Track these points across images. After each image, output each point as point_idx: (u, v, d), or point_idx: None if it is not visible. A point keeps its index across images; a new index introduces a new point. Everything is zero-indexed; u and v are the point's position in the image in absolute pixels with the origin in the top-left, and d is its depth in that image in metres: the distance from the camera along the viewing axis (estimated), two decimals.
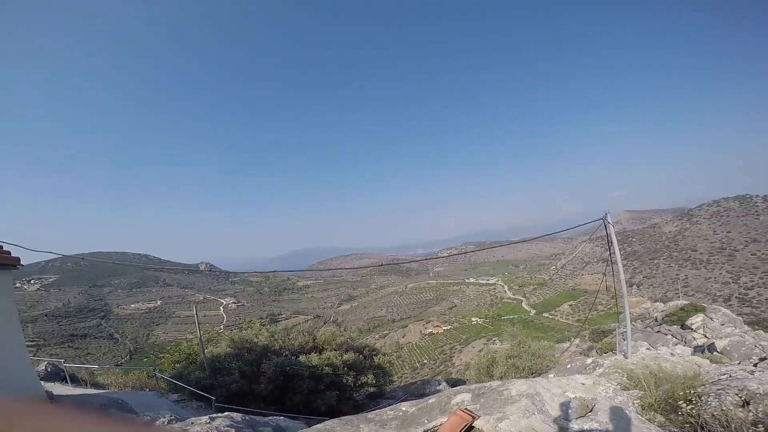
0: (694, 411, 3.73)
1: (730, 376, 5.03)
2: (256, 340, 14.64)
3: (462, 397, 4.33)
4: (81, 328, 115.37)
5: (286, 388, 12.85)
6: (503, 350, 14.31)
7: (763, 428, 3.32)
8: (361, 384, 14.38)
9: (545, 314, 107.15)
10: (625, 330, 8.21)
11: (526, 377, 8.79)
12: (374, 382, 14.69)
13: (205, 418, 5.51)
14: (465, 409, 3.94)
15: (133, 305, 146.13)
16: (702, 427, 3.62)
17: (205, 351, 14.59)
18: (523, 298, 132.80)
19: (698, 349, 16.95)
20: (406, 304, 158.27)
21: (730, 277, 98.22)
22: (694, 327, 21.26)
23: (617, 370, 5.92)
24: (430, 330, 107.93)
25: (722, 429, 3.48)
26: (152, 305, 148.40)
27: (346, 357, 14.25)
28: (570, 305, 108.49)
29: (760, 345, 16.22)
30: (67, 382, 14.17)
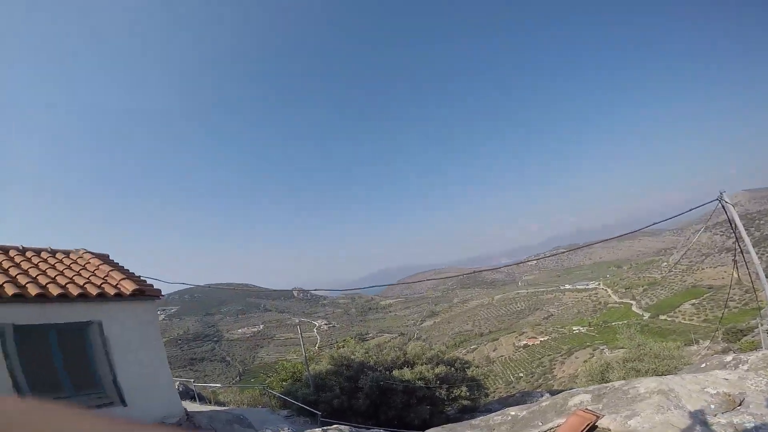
0: None
1: None
2: (353, 356, 15.23)
3: (580, 398, 3.90)
4: (199, 353, 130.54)
5: (381, 402, 13.02)
6: (619, 356, 12.74)
7: None
8: (454, 397, 13.95)
9: (662, 317, 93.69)
10: None
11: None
12: (468, 395, 14.13)
13: (318, 430, 5.80)
14: (586, 409, 3.54)
15: (239, 330, 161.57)
16: None
17: (309, 369, 15.54)
18: (632, 301, 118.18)
19: None
20: (495, 317, 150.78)
21: None
22: None
23: None
24: (524, 342, 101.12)
25: None
26: (256, 329, 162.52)
27: (437, 370, 14.01)
28: (693, 304, 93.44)
29: None
30: (195, 400, 16.12)
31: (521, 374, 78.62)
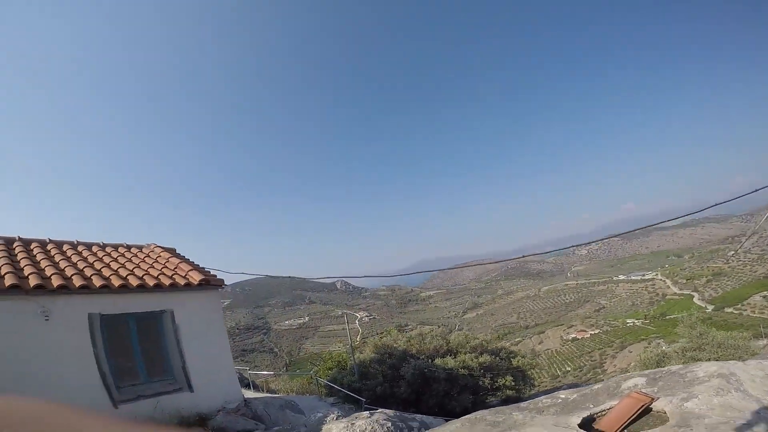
0: None
1: None
2: (395, 345, 15.52)
3: (635, 381, 3.84)
4: (249, 344, 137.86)
5: (423, 390, 13.15)
6: (677, 348, 11.97)
7: None
8: (498, 387, 13.75)
9: (728, 309, 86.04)
10: None
11: None
12: (513, 384, 13.88)
13: (366, 413, 6.11)
14: (640, 391, 3.50)
15: (286, 322, 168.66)
16: None
17: (354, 357, 16.10)
18: (694, 293, 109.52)
19: None
20: (541, 309, 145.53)
21: None
22: None
23: None
24: (573, 335, 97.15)
25: None
26: (301, 321, 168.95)
27: (481, 359, 13.91)
28: (764, 296, 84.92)
29: None
30: (250, 387, 17.25)
31: (569, 368, 75.76)
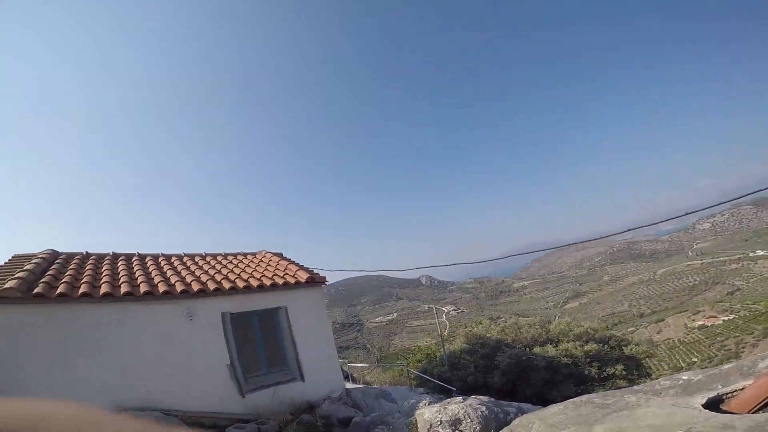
0: None
1: None
2: (488, 335, 15.14)
3: None
4: (345, 341, 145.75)
5: (520, 380, 12.56)
6: None
7: None
8: (607, 376, 12.47)
9: None
10: None
11: None
12: (624, 374, 12.45)
13: (459, 398, 6.15)
14: None
15: (377, 319, 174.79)
16: None
17: (444, 348, 16.19)
18: None
19: None
20: (658, 294, 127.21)
21: None
22: None
23: None
24: (700, 322, 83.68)
25: None
26: (390, 317, 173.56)
27: (587, 348, 12.86)
28: None
29: None
30: (348, 380, 18.47)
31: (695, 359, 65.41)
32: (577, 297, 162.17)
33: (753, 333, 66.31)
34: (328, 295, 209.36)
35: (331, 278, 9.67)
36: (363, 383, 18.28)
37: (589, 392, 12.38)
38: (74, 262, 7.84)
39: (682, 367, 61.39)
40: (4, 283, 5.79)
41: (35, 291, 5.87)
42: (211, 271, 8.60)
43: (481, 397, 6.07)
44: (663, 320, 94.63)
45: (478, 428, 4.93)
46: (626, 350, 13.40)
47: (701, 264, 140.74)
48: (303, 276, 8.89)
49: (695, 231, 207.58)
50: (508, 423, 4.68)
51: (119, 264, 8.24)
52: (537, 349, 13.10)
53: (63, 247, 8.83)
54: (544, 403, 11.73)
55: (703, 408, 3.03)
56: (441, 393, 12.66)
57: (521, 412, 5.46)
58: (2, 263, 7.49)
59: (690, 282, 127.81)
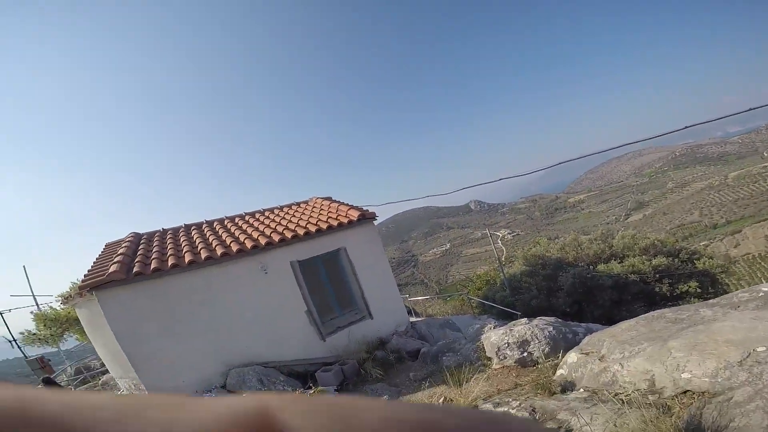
0: None
1: None
2: (547, 254, 14.85)
3: None
4: (402, 278, 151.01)
5: (586, 300, 12.34)
6: None
7: None
8: (679, 294, 11.83)
9: None
10: None
11: None
12: (699, 291, 11.72)
13: (524, 320, 6.20)
14: None
15: (430, 252, 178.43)
16: None
17: (503, 272, 16.34)
18: None
19: None
20: (733, 201, 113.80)
21: None
22: None
23: None
24: None
25: None
26: (444, 248, 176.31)
27: (655, 262, 12.24)
28: None
29: None
30: (411, 314, 19.45)
31: None
32: (641, 208, 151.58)
33: None
34: (380, 233, 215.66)
35: (381, 215, 9.88)
36: (426, 316, 19.27)
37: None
38: (156, 239, 8.76)
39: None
40: (108, 269, 6.63)
41: (134, 270, 6.69)
42: (273, 224, 9.12)
43: (547, 318, 6.09)
44: (740, 231, 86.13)
45: (546, 349, 5.12)
46: (698, 264, 12.52)
47: None
48: (354, 214, 9.19)
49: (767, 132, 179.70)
50: (577, 343, 4.79)
51: (193, 233, 9.07)
52: (601, 267, 12.73)
53: (139, 229, 9.80)
54: (614, 324, 11.54)
55: None
56: (505, 318, 12.83)
57: (590, 332, 5.48)
58: (99, 253, 8.56)
59: None
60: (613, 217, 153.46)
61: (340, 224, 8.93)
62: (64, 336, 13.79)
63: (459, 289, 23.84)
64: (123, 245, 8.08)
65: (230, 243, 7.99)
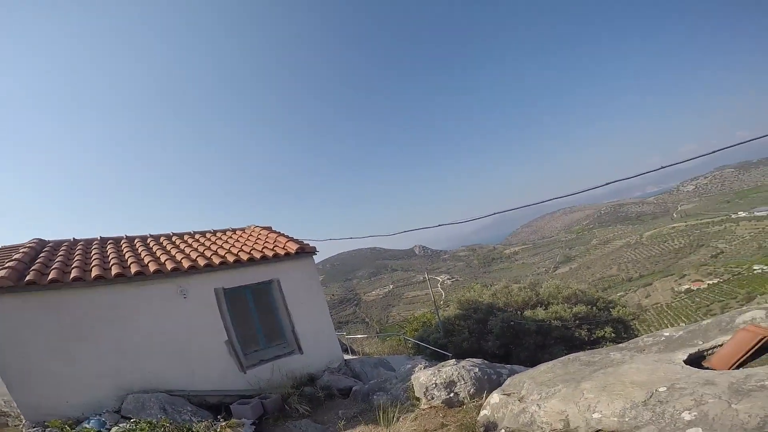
0: None
1: None
2: (480, 299, 15.43)
3: (752, 314, 3.48)
4: (343, 316, 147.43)
5: (513, 344, 12.94)
6: None
7: None
8: (596, 338, 12.79)
9: None
10: None
11: None
12: (613, 336, 12.79)
13: (452, 361, 6.30)
14: (759, 324, 3.20)
15: (373, 292, 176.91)
16: None
17: (438, 315, 16.55)
18: None
19: None
20: (646, 258, 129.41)
21: None
22: None
23: None
24: (686, 286, 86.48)
25: None
26: (386, 290, 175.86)
27: (576, 309, 13.24)
28: None
29: None
30: (348, 352, 18.88)
31: (683, 323, 67.79)
32: (568, 262, 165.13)
33: (737, 297, 68.72)
34: (323, 270, 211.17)
35: (325, 253, 9.68)
36: (363, 354, 18.78)
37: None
38: (63, 248, 7.76)
39: None
40: None
41: (27, 278, 5.83)
42: (201, 248, 8.52)
43: (474, 359, 6.23)
44: (651, 284, 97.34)
45: (471, 389, 5.12)
46: (614, 312, 13.79)
47: (686, 226, 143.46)
48: (293, 247, 8.85)
49: (679, 193, 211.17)
50: (501, 384, 4.85)
51: (108, 247, 8.15)
52: (528, 313, 13.46)
53: (49, 237, 8.69)
54: (534, 366, 12.12)
55: (684, 364, 3.17)
56: (437, 359, 13.05)
57: (513, 373, 5.61)
58: None
59: (675, 245, 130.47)
60: (543, 269, 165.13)
61: (276, 255, 8.54)
62: None
63: (397, 329, 23.68)
64: (21, 250, 7.10)
65: (148, 262, 7.27)
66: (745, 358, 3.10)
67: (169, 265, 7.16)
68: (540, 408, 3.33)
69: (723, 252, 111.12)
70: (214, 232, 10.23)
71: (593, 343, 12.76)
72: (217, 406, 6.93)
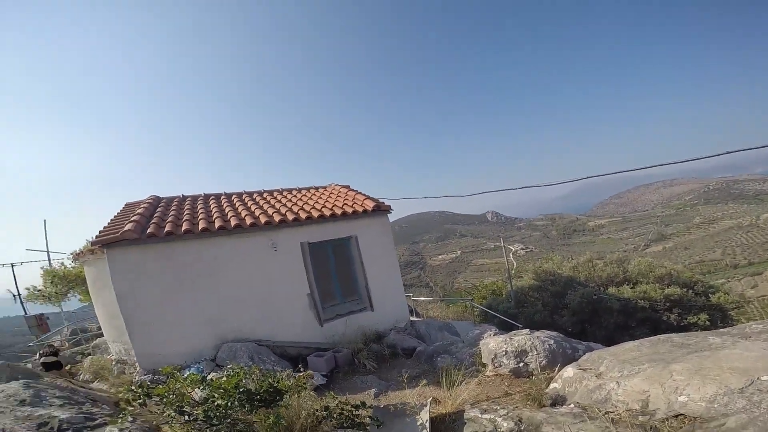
0: None
1: None
2: (559, 271, 14.65)
3: None
4: (408, 279, 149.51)
5: (590, 321, 12.16)
6: None
7: None
8: (687, 325, 11.49)
9: None
10: None
11: None
12: (708, 325, 11.33)
13: (525, 331, 6.10)
14: None
15: (439, 257, 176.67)
16: None
17: (511, 284, 16.15)
18: None
19: None
20: (759, 243, 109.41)
21: None
22: None
23: None
24: None
25: None
26: (454, 256, 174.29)
27: (668, 291, 11.94)
28: None
29: None
30: (412, 314, 19.41)
31: None
32: (662, 240, 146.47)
33: None
34: (393, 232, 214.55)
35: (394, 212, 9.85)
36: (426, 317, 19.22)
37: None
38: (174, 204, 8.99)
39: None
40: (123, 227, 6.82)
41: (148, 231, 6.86)
42: (289, 204, 9.27)
43: (549, 331, 6.00)
44: (761, 273, 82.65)
45: (543, 361, 5.04)
46: (713, 298, 12.13)
47: None
48: (370, 204, 9.19)
49: None
50: (575, 359, 4.71)
51: (211, 203, 9.28)
52: (612, 290, 12.50)
53: (163, 193, 10.04)
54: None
55: None
56: (506, 329, 12.84)
57: (590, 350, 5.36)
58: (117, 212, 8.79)
59: None
60: (632, 246, 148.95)
61: (355, 212, 8.94)
62: (69, 295, 13.71)
63: (464, 295, 23.66)
64: (141, 206, 8.30)
65: (245, 216, 8.13)
66: None
67: (263, 219, 7.92)
68: (619, 386, 3.22)
69: None
70: (299, 190, 11.09)
71: (682, 330, 11.47)
72: (295, 358, 7.55)
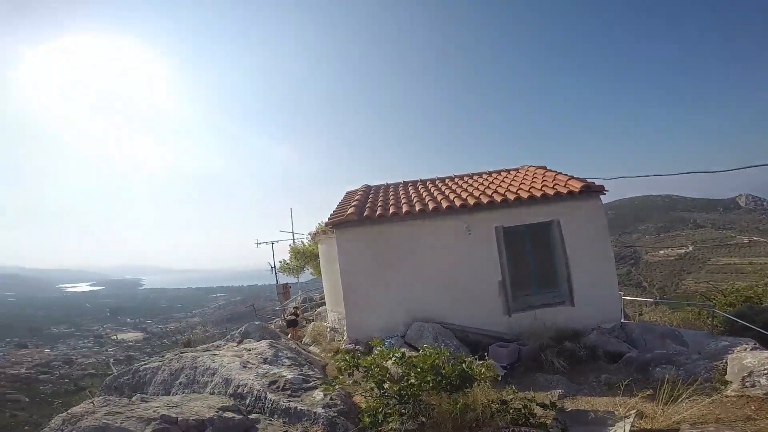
0: None
1: None
2: None
3: None
4: (616, 275, 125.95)
5: None
6: None
7: None
8: None
9: None
10: None
11: None
12: None
13: None
14: None
15: (661, 252, 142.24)
16: None
17: None
18: None
19: None
20: None
21: None
22: None
23: None
24: None
25: None
26: (683, 251, 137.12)
27: None
28: None
29: None
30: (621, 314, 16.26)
31: None
32: None
33: None
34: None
35: (605, 194, 8.36)
36: (639, 321, 16.02)
37: None
38: (381, 191, 10.61)
39: None
40: (347, 211, 8.41)
41: (365, 214, 8.28)
42: (481, 187, 9.19)
43: None
44: None
45: None
46: None
47: None
48: (576, 185, 8.00)
49: None
50: None
51: (409, 188, 10.48)
52: None
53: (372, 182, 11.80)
54: None
55: None
56: (762, 345, 9.58)
57: None
58: (340, 200, 10.75)
59: None
60: None
61: (557, 194, 7.93)
62: (305, 269, 17.22)
63: (698, 299, 18.63)
64: (358, 193, 10.15)
65: (440, 200, 8.66)
66: None
67: (458, 202, 8.24)
68: None
69: None
70: (490, 173, 10.90)
71: None
72: (475, 344, 7.25)
